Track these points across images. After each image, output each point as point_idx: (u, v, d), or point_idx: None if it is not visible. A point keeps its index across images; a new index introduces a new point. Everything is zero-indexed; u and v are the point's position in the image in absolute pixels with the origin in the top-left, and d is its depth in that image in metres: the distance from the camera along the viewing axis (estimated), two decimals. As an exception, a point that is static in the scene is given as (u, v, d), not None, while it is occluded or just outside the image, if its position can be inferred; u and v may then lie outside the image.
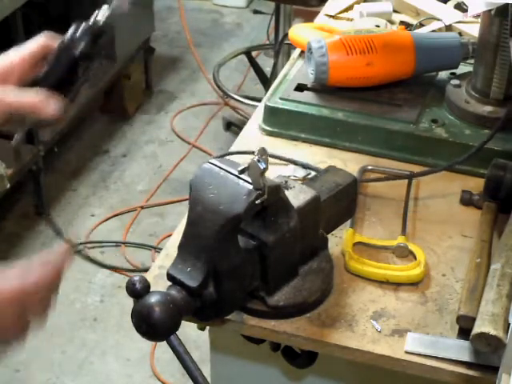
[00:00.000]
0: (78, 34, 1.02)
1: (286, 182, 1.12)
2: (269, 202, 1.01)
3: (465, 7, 1.83)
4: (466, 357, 1.04)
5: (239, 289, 1.04)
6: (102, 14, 1.03)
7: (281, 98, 1.50)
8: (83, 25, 1.03)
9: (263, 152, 0.98)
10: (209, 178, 1.02)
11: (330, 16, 1.89)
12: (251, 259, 1.04)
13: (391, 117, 1.44)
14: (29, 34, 3.06)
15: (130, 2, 1.04)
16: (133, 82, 3.70)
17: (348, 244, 1.21)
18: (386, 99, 1.49)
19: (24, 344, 0.94)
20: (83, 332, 2.66)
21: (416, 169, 1.38)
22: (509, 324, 0.97)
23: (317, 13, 1.96)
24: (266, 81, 3.56)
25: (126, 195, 3.26)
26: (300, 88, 1.52)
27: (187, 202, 1.04)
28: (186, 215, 1.05)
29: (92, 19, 1.03)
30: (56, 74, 1.03)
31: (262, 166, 0.97)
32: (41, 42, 1.04)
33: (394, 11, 1.88)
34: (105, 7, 1.03)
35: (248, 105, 3.54)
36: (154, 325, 0.94)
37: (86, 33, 1.02)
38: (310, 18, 2.10)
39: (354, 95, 1.49)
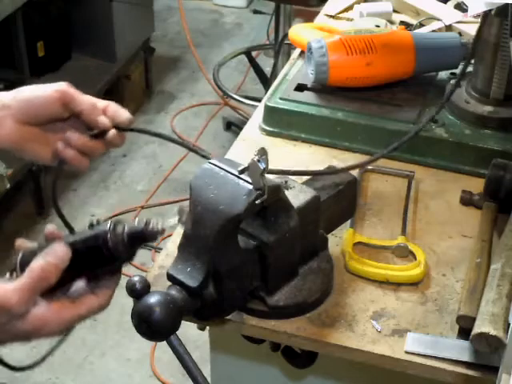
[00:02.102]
0: (121, 237, 1.00)
1: (286, 181, 1.12)
2: (269, 202, 1.01)
3: (465, 7, 1.83)
4: (465, 357, 1.04)
5: (239, 289, 1.04)
6: (157, 224, 0.97)
7: (281, 98, 1.50)
8: (130, 228, 0.99)
9: (263, 152, 0.98)
10: (209, 178, 1.02)
11: (330, 16, 1.89)
12: (251, 259, 1.04)
13: (391, 117, 1.44)
14: (29, 34, 3.07)
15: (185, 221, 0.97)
16: (133, 81, 3.70)
17: (348, 244, 1.20)
18: (386, 99, 1.49)
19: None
20: (83, 332, 2.66)
21: (416, 169, 1.38)
22: (509, 324, 0.97)
23: (317, 13, 1.96)
24: (265, 81, 3.56)
25: (126, 195, 3.26)
26: (300, 88, 1.52)
27: (187, 202, 1.04)
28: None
29: (144, 224, 0.97)
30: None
31: (261, 165, 0.97)
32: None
33: (394, 11, 1.89)
34: (164, 222, 0.97)
35: (248, 105, 3.54)
36: (154, 325, 0.94)
37: (131, 238, 0.98)
38: (310, 17, 2.10)
39: (354, 95, 1.49)
